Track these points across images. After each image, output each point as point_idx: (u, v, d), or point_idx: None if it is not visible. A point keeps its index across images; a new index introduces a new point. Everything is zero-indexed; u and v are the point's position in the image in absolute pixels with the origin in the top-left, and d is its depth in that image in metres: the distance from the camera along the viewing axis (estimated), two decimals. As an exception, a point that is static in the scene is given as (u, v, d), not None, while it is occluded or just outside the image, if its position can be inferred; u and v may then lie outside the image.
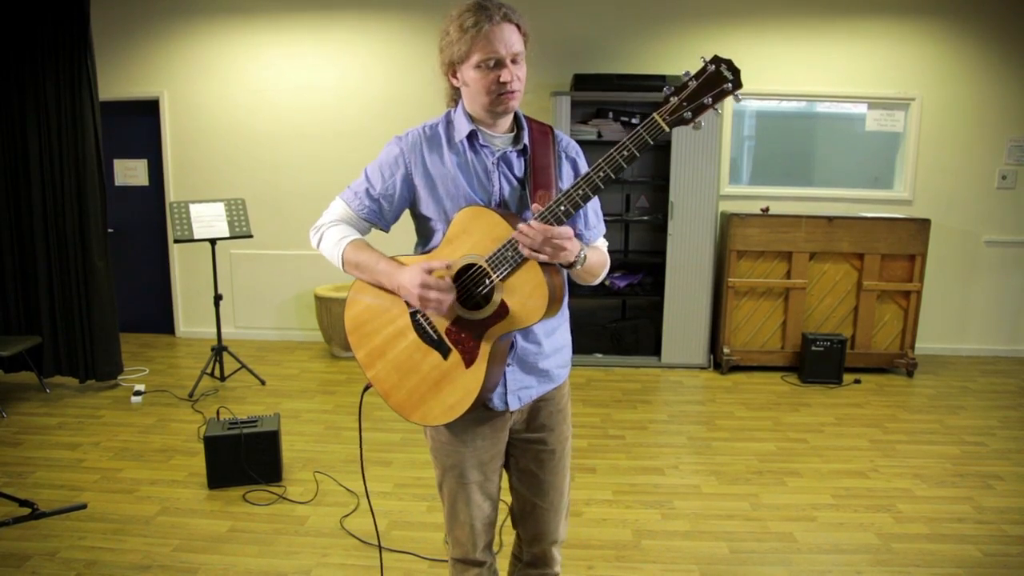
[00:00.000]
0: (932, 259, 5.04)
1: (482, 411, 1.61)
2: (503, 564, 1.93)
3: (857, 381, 4.78)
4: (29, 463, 3.39)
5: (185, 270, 5.79)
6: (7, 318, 4.48)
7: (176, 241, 4.41)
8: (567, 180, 1.61)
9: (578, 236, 1.55)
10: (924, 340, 5.35)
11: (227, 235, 4.53)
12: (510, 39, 1.46)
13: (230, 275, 5.66)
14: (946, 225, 5.28)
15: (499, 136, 1.59)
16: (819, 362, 4.75)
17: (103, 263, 4.44)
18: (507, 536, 2.01)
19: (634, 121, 5.00)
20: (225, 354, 4.69)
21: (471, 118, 1.57)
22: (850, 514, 2.98)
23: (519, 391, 1.62)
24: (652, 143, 1.36)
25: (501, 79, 1.46)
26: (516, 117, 1.61)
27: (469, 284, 1.51)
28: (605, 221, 1.77)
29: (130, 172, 5.73)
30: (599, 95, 4.97)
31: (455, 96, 1.60)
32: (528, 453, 1.72)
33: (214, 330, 4.79)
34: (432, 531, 2.80)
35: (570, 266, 1.48)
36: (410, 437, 3.70)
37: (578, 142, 1.73)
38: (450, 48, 1.49)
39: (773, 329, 4.99)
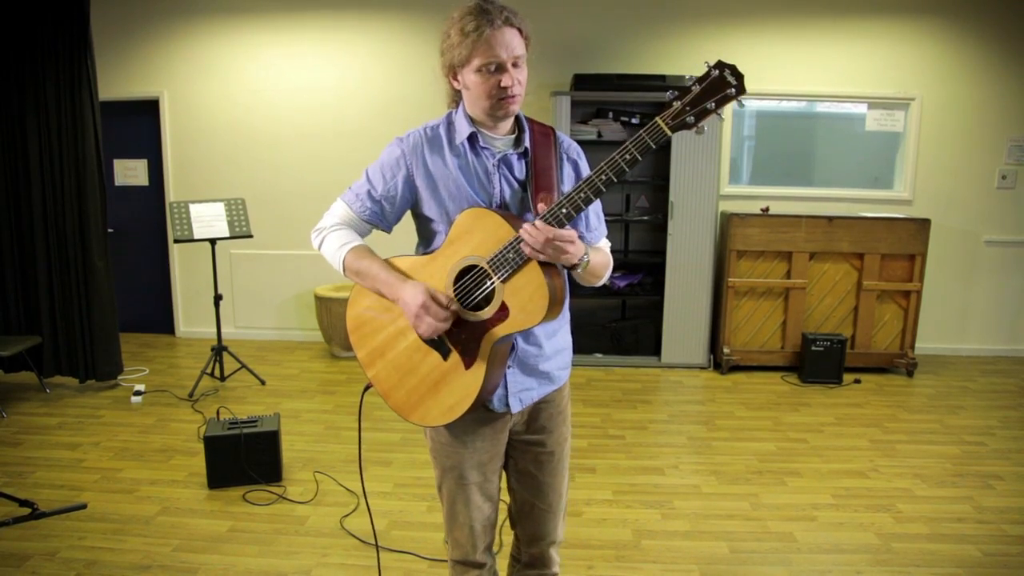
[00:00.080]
0: (932, 259, 5.04)
1: (482, 412, 1.61)
2: (502, 564, 1.93)
3: (857, 381, 4.78)
4: (29, 463, 3.39)
5: (185, 270, 5.79)
6: (7, 318, 4.48)
7: (176, 241, 4.41)
8: (568, 182, 1.61)
9: (579, 238, 1.55)
10: (924, 340, 5.35)
11: (227, 235, 4.53)
12: (511, 43, 1.45)
13: (230, 275, 5.66)
14: (946, 225, 5.29)
15: (500, 138, 1.58)
16: (819, 362, 4.75)
17: (103, 263, 4.44)
18: (507, 536, 2.01)
19: (634, 121, 5.00)
20: (225, 354, 4.69)
21: (472, 120, 1.56)
22: (850, 514, 2.98)
23: (520, 393, 1.62)
24: (654, 147, 1.36)
25: (502, 84, 1.46)
26: (517, 119, 1.60)
27: (470, 285, 1.50)
28: (605, 221, 1.76)
29: (130, 172, 5.72)
30: (599, 95, 4.97)
31: (456, 97, 1.59)
32: (527, 455, 1.72)
33: (214, 330, 4.80)
34: (432, 531, 2.81)
35: (573, 268, 1.48)
36: (410, 437, 3.70)
37: (578, 142, 1.73)
38: (451, 51, 1.48)
39: (773, 329, 4.99)
